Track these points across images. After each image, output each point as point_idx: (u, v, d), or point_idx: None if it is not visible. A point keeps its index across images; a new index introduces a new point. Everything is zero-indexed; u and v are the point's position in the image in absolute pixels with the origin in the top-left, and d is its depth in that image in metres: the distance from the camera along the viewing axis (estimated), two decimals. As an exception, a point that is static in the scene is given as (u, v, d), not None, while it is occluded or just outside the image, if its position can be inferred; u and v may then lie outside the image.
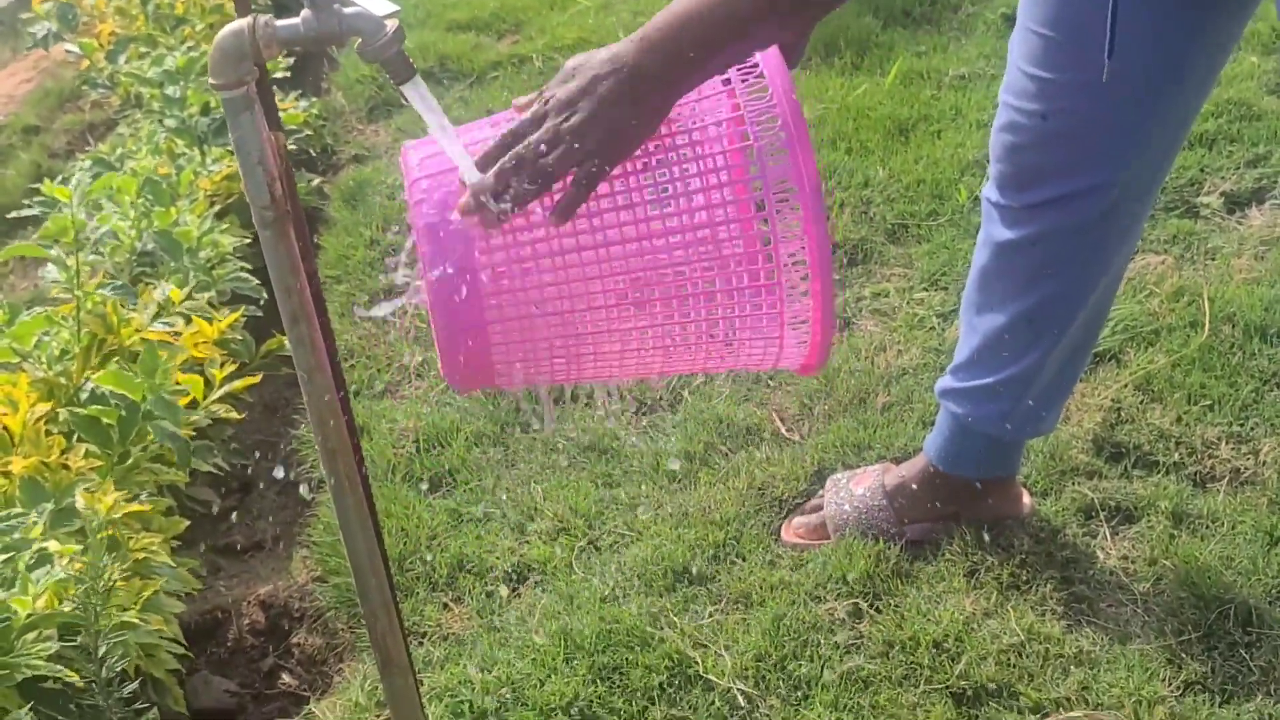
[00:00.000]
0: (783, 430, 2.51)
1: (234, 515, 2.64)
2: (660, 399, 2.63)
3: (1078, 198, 1.88)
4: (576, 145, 1.33)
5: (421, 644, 2.16)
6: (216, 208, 3.04)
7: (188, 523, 2.25)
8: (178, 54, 3.55)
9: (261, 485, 2.74)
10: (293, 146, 3.58)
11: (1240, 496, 2.25)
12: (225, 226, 2.94)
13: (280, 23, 1.34)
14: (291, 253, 1.42)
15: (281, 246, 1.41)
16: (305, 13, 1.33)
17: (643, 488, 2.40)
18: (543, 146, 1.33)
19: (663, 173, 1.42)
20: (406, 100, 1.42)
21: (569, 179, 1.34)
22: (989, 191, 1.98)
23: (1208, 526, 2.20)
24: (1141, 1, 1.63)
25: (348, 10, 1.33)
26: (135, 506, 2.09)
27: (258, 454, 2.78)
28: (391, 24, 1.35)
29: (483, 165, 1.36)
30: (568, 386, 2.61)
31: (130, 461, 2.22)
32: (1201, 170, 3.10)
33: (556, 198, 1.35)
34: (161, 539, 2.13)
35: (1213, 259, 2.85)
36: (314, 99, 3.98)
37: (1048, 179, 1.89)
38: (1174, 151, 1.92)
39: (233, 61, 1.34)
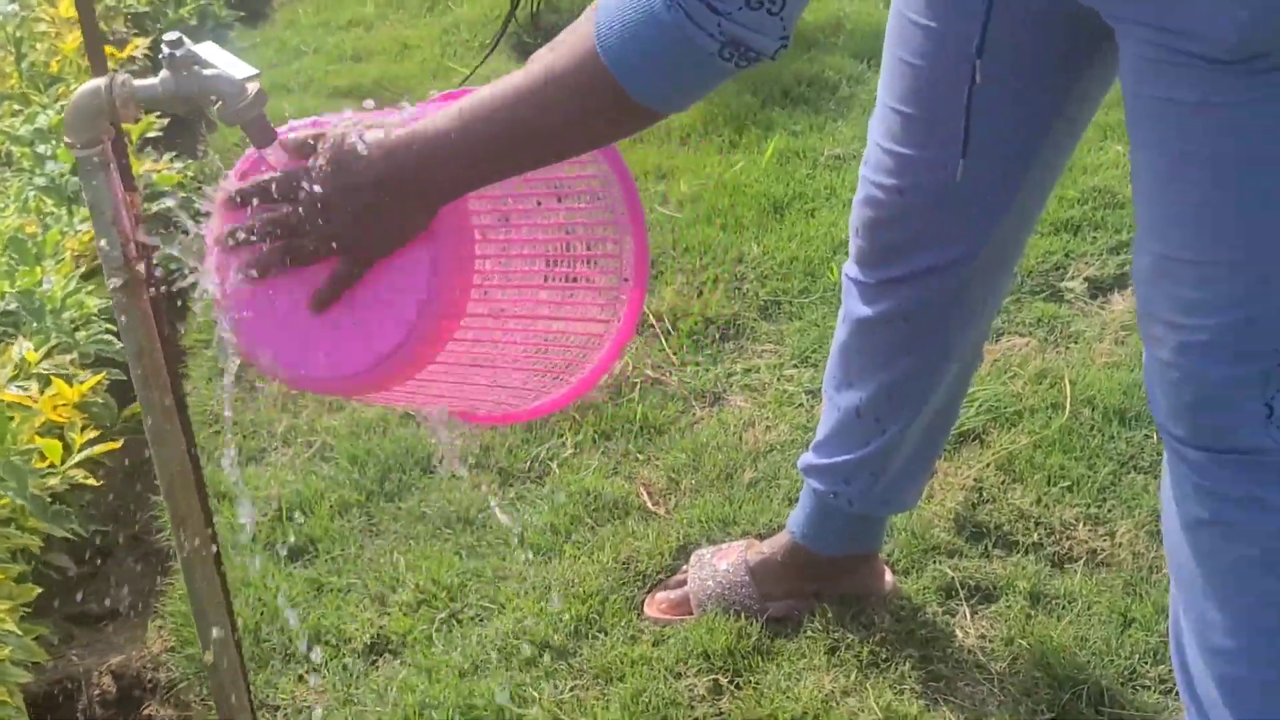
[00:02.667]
0: (649, 504, 2.51)
1: (90, 582, 2.58)
2: (527, 470, 2.62)
3: (933, 274, 1.91)
4: (329, 245, 1.35)
5: (274, 716, 2.12)
6: (83, 269, 2.99)
7: (40, 590, 2.19)
8: (51, 112, 3.49)
9: (120, 552, 2.68)
10: (170, 204, 3.53)
11: (1096, 577, 2.28)
12: (91, 288, 2.89)
13: (138, 82, 1.33)
14: (145, 314, 1.40)
15: (133, 308, 1.39)
16: (164, 73, 1.32)
17: (506, 560, 2.38)
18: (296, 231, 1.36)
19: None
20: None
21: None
22: (848, 267, 2.01)
23: (1064, 607, 2.23)
24: (996, 90, 1.66)
25: (207, 72, 1.33)
26: (-16, 574, 2.04)
27: (117, 520, 2.72)
28: (253, 87, 1.34)
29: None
30: (435, 456, 2.60)
31: (-20, 526, 2.16)
32: (1066, 255, 3.17)
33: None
34: (11, 606, 2.07)
35: (1075, 342, 2.90)
36: (189, 160, 3.94)
37: (904, 254, 1.92)
38: (1028, 229, 1.96)
39: (88, 120, 1.33)
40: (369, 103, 1.44)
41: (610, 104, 1.31)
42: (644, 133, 3.84)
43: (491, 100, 1.33)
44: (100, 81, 1.32)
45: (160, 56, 1.31)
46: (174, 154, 3.82)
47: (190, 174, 3.79)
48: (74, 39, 3.98)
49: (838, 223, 3.33)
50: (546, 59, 1.32)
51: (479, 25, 5.04)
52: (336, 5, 5.55)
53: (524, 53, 3.97)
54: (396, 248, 1.36)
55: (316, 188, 1.34)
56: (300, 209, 1.36)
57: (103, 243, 1.36)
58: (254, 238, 1.38)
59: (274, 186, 1.37)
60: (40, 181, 3.27)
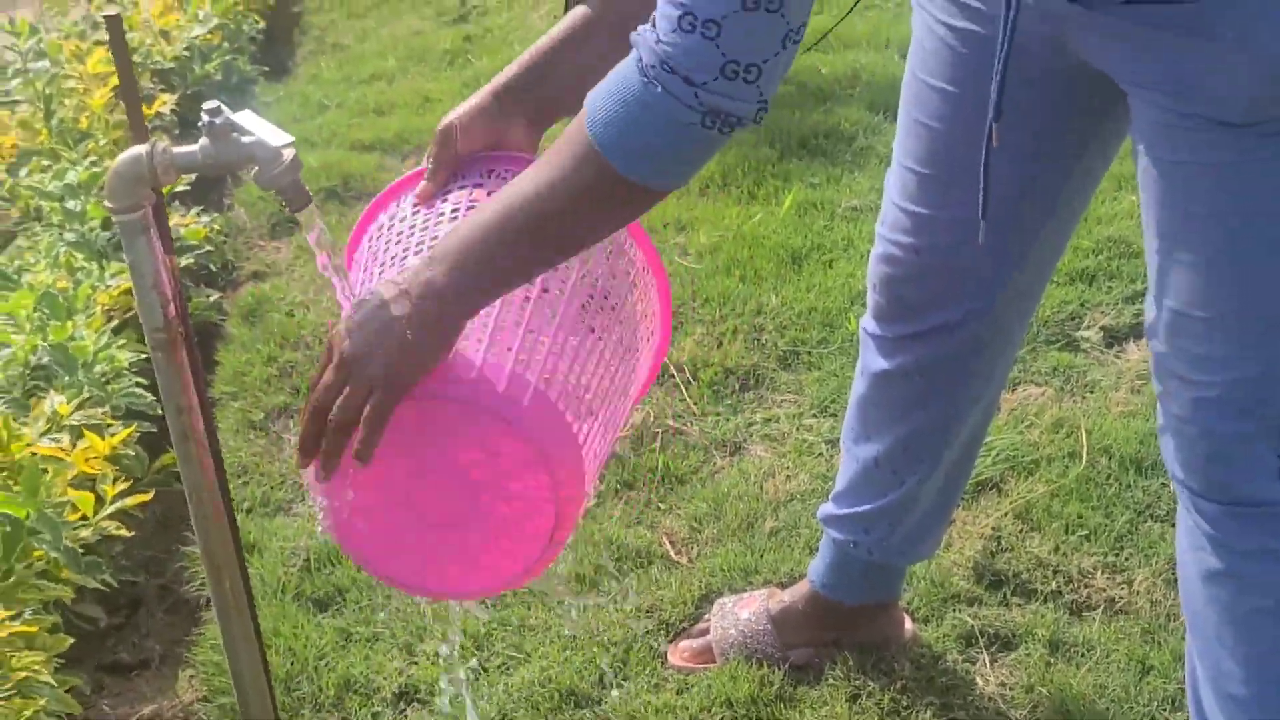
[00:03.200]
0: (672, 553, 2.55)
1: (120, 632, 2.61)
2: (552, 521, 2.65)
3: (950, 329, 1.94)
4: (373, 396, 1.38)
5: (305, 765, 2.15)
6: (114, 322, 3.04)
7: (72, 640, 2.23)
8: (80, 168, 3.55)
9: (150, 602, 2.72)
10: (191, 261, 3.59)
11: (1114, 625, 2.31)
12: (122, 342, 2.94)
13: (178, 149, 1.37)
14: (182, 374, 1.44)
15: (172, 368, 1.44)
16: (203, 140, 1.37)
17: (531, 609, 2.41)
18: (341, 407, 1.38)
19: None
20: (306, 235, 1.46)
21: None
22: (866, 322, 2.04)
23: (1083, 654, 2.25)
24: (1013, 149, 1.70)
25: (245, 139, 1.38)
26: (20, 627, 2.07)
27: (147, 570, 2.76)
28: (288, 153, 1.39)
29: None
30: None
31: (14, 579, 2.20)
32: (1082, 305, 3.21)
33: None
34: (45, 658, 2.10)
35: (1091, 392, 2.93)
36: (216, 214, 4.00)
37: (921, 311, 1.95)
38: (1042, 284, 1.99)
39: (129, 186, 1.38)
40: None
41: (613, 190, 1.36)
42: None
43: (506, 214, 1.38)
44: (142, 149, 1.37)
45: (200, 125, 1.36)
46: (201, 208, 3.88)
47: (217, 228, 3.85)
48: (102, 95, 4.05)
49: (855, 273, 3.37)
50: (548, 161, 1.38)
51: (499, 78, 5.09)
52: (358, 60, 5.63)
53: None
54: (433, 366, 1.40)
55: (348, 345, 1.38)
56: (339, 375, 1.39)
57: (142, 305, 1.40)
58: (311, 439, 1.41)
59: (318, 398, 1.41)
60: (70, 237, 3.32)
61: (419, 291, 1.37)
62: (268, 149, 1.38)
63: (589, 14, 1.58)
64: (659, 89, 1.29)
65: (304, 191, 1.42)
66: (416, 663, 2.32)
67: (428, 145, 1.67)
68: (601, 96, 1.34)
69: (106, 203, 1.39)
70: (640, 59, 1.31)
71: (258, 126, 1.39)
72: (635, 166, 1.34)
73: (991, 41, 1.59)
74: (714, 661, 2.28)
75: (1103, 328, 3.13)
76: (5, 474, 2.35)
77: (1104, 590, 2.38)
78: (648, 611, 2.39)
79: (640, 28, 1.32)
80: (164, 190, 3.60)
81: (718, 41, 1.27)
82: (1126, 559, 2.44)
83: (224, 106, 1.37)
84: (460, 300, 1.38)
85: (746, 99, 1.31)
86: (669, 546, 2.57)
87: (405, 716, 2.23)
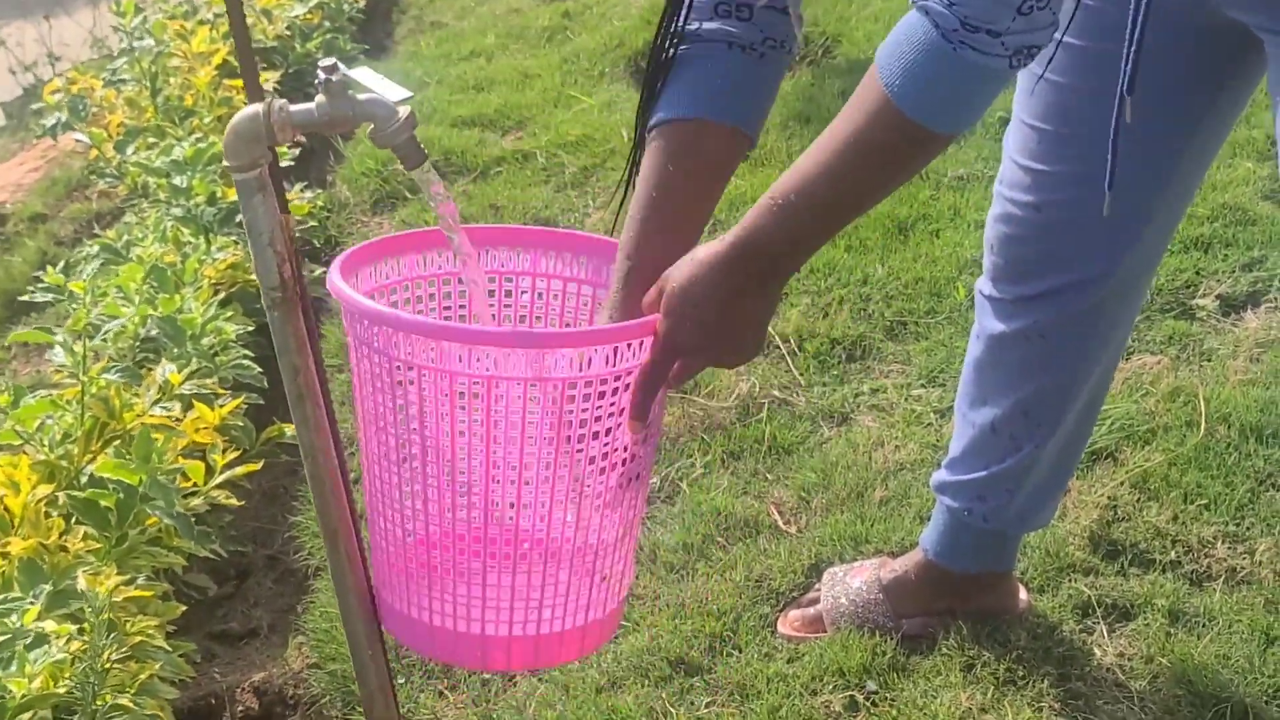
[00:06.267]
0: (780, 523, 2.52)
1: (229, 602, 2.63)
2: (658, 491, 2.64)
3: (1070, 290, 1.90)
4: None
5: (416, 731, 2.16)
6: (220, 295, 3.07)
7: (184, 608, 2.25)
8: (185, 145, 3.58)
9: (258, 572, 2.74)
10: (297, 236, 3.61)
11: (1236, 595, 2.25)
12: (229, 314, 2.96)
13: (294, 107, 1.37)
14: (299, 333, 1.44)
15: (289, 327, 1.43)
16: (320, 98, 1.36)
17: (640, 578, 2.40)
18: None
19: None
20: (415, 191, 1.45)
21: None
22: (982, 284, 2.00)
23: (1204, 625, 2.20)
24: (1140, 114, 1.65)
25: (361, 96, 1.36)
26: (135, 591, 2.09)
27: (256, 540, 2.78)
28: (404, 110, 1.38)
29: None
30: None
31: (127, 545, 2.22)
32: (1197, 273, 3.14)
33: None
34: (158, 623, 2.12)
35: (1208, 360, 2.87)
36: (319, 190, 4.02)
37: (1041, 271, 1.91)
38: (1164, 245, 1.95)
39: (247, 144, 1.37)
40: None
41: (915, 143, 1.36)
42: (765, 157, 3.87)
43: (804, 179, 1.37)
44: (258, 107, 1.36)
45: (316, 82, 1.35)
46: (304, 184, 3.91)
47: (320, 203, 3.88)
48: (206, 74, 4.09)
49: (963, 243, 3.33)
50: (839, 129, 1.37)
51: (598, 54, 5.09)
52: (457, 37, 5.64)
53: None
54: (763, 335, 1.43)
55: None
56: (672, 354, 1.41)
57: (259, 263, 1.40)
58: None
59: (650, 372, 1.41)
60: (177, 212, 3.36)
61: (739, 285, 1.39)
62: (384, 106, 1.36)
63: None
64: (969, 49, 1.28)
65: (419, 149, 1.40)
66: (525, 631, 2.32)
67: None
68: (896, 59, 1.32)
69: (225, 161, 1.39)
70: (937, 25, 1.29)
71: (375, 83, 1.38)
72: (943, 120, 1.34)
73: None
74: (824, 631, 2.25)
75: (1219, 296, 3.06)
76: (118, 442, 2.37)
77: (1225, 560, 2.32)
78: (757, 581, 2.37)
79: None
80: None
81: None
82: (1248, 528, 2.38)
83: (340, 64, 1.36)
84: (778, 277, 1.41)
85: (1044, 25, 1.30)
86: (777, 516, 2.54)
87: (515, 684, 2.23)
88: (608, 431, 1.40)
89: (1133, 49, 1.55)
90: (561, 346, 1.37)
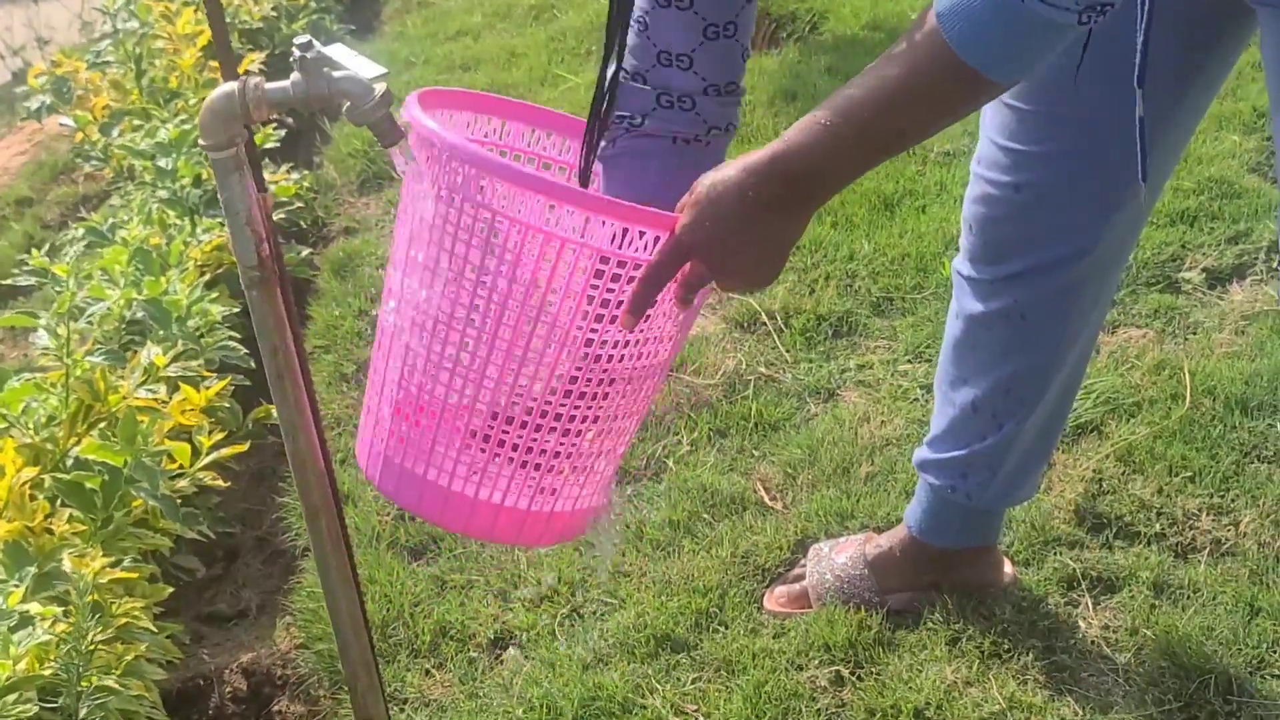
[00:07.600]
0: (766, 500, 2.52)
1: (217, 584, 2.64)
2: (644, 468, 2.65)
3: (1048, 269, 1.90)
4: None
5: (403, 709, 2.16)
6: (206, 277, 3.06)
7: (171, 589, 2.25)
8: (170, 127, 3.57)
9: (247, 554, 2.74)
10: (283, 217, 3.61)
11: (1221, 567, 2.26)
12: (215, 296, 2.95)
13: (270, 85, 1.36)
14: (278, 312, 1.44)
15: (268, 306, 1.43)
16: (295, 75, 1.36)
17: (626, 555, 2.40)
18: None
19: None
20: (395, 167, 1.45)
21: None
22: (959, 264, 2.00)
23: (1189, 597, 2.21)
24: (1120, 85, 1.65)
25: (336, 74, 1.36)
26: (121, 573, 2.09)
27: (243, 522, 2.78)
28: (379, 87, 1.37)
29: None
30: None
31: (113, 526, 2.22)
32: (1183, 246, 3.14)
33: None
34: (144, 604, 2.12)
35: (1194, 333, 2.87)
36: (305, 172, 4.01)
37: (1018, 251, 1.91)
38: (1142, 223, 1.95)
39: (223, 122, 1.37)
40: None
41: (968, 87, 1.33)
42: (751, 134, 3.86)
43: (853, 106, 1.35)
44: (233, 85, 1.35)
45: (291, 59, 1.35)
46: (291, 165, 3.90)
47: (307, 185, 3.87)
48: (191, 55, 4.07)
49: (949, 218, 3.32)
50: (891, 66, 1.35)
51: (585, 32, 5.08)
52: (444, 16, 5.62)
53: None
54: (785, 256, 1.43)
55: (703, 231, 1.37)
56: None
57: (236, 242, 1.40)
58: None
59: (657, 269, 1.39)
60: (162, 194, 3.35)
61: (779, 198, 1.37)
62: (359, 83, 1.36)
63: None
64: (1040, 4, 1.25)
65: (396, 127, 1.40)
66: (511, 609, 2.32)
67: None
68: (964, 16, 1.30)
69: (201, 140, 1.38)
70: None
71: (350, 60, 1.37)
72: (1002, 68, 1.32)
73: None
74: (810, 607, 2.25)
75: (1204, 269, 3.06)
76: (104, 424, 2.37)
77: (1209, 532, 2.33)
78: (743, 557, 2.37)
79: None
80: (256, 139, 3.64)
81: None
82: (1233, 500, 2.39)
83: (315, 41, 1.36)
84: (814, 198, 1.40)
85: None
86: (763, 492, 2.54)
87: (500, 662, 2.23)
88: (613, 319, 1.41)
89: (1143, 37, 1.54)
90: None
